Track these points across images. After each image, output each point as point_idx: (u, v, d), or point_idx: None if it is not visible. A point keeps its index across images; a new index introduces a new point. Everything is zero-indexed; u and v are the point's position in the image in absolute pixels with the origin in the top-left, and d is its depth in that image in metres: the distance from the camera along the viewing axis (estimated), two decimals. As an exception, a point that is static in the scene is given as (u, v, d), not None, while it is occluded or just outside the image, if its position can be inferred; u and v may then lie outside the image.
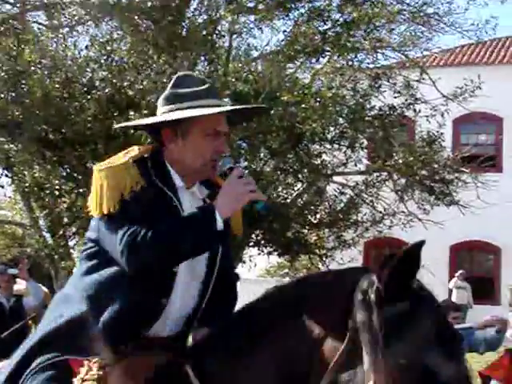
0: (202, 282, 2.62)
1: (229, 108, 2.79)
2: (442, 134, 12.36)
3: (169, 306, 2.52)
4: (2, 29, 10.74)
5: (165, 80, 9.63)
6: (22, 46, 10.18)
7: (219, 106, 2.65)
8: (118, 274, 2.50)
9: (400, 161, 11.66)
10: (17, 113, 9.95)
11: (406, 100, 12.13)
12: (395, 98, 12.12)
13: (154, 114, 8.72)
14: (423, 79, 12.59)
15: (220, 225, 2.36)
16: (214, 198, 2.50)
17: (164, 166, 2.59)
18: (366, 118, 11.47)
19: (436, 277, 18.35)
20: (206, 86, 2.67)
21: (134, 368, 2.42)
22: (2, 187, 11.45)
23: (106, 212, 2.48)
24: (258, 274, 16.04)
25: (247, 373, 2.29)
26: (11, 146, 10.52)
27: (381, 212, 12.27)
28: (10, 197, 17.98)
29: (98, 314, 2.48)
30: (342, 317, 2.16)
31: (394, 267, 2.08)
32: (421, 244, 2.10)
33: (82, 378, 2.36)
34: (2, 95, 10.21)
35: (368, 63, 12.35)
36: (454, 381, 2.06)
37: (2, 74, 10.14)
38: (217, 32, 11.09)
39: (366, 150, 12.42)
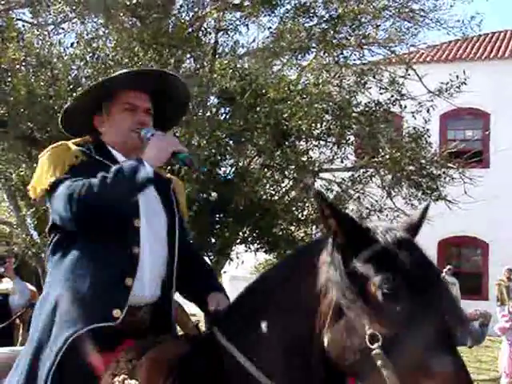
0: (167, 245, 2.92)
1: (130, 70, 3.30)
2: (428, 129, 12.41)
3: (140, 268, 2.75)
4: (-15, 26, 10.72)
5: (150, 77, 9.64)
6: (6, 44, 10.15)
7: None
8: (81, 250, 2.74)
9: (387, 156, 11.72)
10: (1, 111, 9.93)
11: (392, 96, 12.18)
12: (381, 94, 12.19)
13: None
14: (409, 75, 12.65)
15: (149, 170, 2.62)
16: (156, 178, 2.80)
17: (105, 148, 2.93)
18: (353, 115, 11.53)
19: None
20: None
21: (159, 357, 2.58)
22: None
23: (48, 187, 2.76)
24: (246, 271, 16.05)
25: (261, 339, 2.48)
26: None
27: (368, 208, 12.32)
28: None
29: (77, 295, 2.67)
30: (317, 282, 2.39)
31: (338, 218, 2.30)
32: (318, 192, 2.39)
33: (113, 373, 2.54)
34: (-14, 93, 10.20)
35: (354, 59, 12.44)
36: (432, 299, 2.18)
37: (-14, 72, 10.13)
38: (203, 29, 11.10)
39: (352, 147, 12.48)
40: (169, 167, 9.85)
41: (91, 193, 2.61)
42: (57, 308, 2.67)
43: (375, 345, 2.14)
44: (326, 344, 2.32)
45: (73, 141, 2.97)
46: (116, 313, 2.64)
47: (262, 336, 2.48)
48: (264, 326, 2.49)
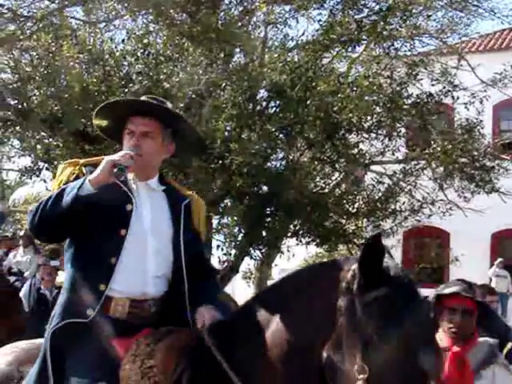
0: (171, 245, 3.24)
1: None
2: (481, 121, 12.24)
3: (135, 266, 3.12)
4: (41, 25, 10.86)
5: (201, 72, 9.70)
6: (61, 42, 10.31)
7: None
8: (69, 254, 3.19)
9: (438, 149, 11.59)
10: (56, 107, 10.10)
11: (444, 87, 12.03)
12: (433, 85, 12.04)
13: (190, 105, 8.79)
14: (461, 66, 12.50)
15: (88, 187, 2.93)
16: (170, 191, 3.35)
17: None
18: (404, 107, 11.39)
19: (476, 265, 18.30)
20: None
21: (173, 343, 2.96)
22: (45, 181, 11.64)
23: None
24: (297, 264, 16.06)
25: (265, 347, 2.77)
26: (51, 140, 10.69)
27: (419, 201, 12.20)
28: (50, 190, 18.28)
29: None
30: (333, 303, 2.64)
31: (361, 259, 2.57)
32: (377, 235, 2.63)
33: (134, 354, 2.93)
34: (42, 90, 10.37)
35: (405, 51, 12.27)
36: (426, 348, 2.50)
37: (41, 70, 10.29)
38: (252, 23, 11.15)
39: (403, 139, 12.34)
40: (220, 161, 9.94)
41: (37, 211, 3.03)
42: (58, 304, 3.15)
43: (361, 376, 2.45)
44: (324, 356, 2.61)
45: (88, 159, 3.36)
46: (89, 312, 3.03)
47: (262, 344, 2.79)
48: (269, 333, 2.79)
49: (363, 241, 12.85)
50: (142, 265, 3.16)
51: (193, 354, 2.91)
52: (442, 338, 4.25)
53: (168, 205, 3.31)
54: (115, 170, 2.97)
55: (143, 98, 3.43)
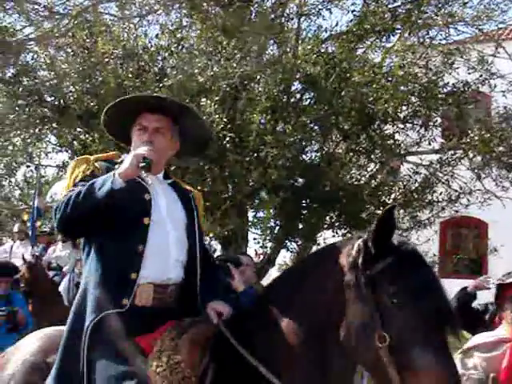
0: (185, 232, 3.36)
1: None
2: (520, 109, 12.11)
3: (159, 254, 3.20)
4: (76, 22, 10.94)
5: (235, 65, 9.71)
6: (95, 38, 10.39)
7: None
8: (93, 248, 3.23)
9: (476, 138, 11.42)
10: (92, 103, 10.18)
11: (481, 75, 11.85)
12: (469, 73, 11.88)
13: (224, 99, 8.81)
14: (499, 53, 12.29)
15: (119, 181, 2.99)
16: (175, 185, 3.52)
17: None
18: (440, 96, 11.26)
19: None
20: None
21: (196, 337, 3.05)
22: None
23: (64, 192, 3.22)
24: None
25: (283, 331, 2.89)
26: (87, 136, 10.77)
27: (457, 191, 12.08)
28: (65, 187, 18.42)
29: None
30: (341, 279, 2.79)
31: (374, 232, 2.72)
32: (391, 208, 2.74)
33: (160, 350, 2.98)
34: (77, 87, 10.47)
35: (440, 39, 12.08)
36: (436, 309, 2.65)
37: (77, 66, 10.38)
38: (285, 15, 11.10)
39: (439, 129, 12.23)
40: (255, 154, 9.94)
41: (66, 208, 3.06)
42: (83, 297, 3.17)
43: (383, 344, 2.59)
44: (341, 337, 2.74)
45: (99, 155, 3.50)
46: (124, 301, 3.08)
47: (283, 330, 2.89)
48: (286, 319, 2.90)
49: (400, 232, 12.81)
50: (166, 250, 3.25)
51: (215, 347, 3.01)
52: (506, 328, 4.21)
53: (177, 196, 3.46)
54: (142, 163, 3.07)
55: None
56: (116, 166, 3.25)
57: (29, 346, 3.66)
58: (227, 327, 3.05)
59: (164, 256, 3.23)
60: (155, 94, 3.61)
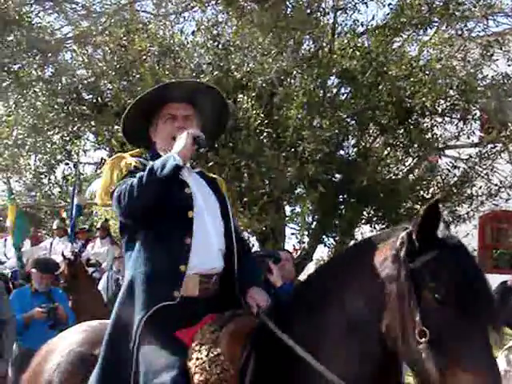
0: (222, 221, 3.40)
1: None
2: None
3: (204, 244, 3.24)
4: (113, 20, 11.04)
5: (271, 61, 9.70)
6: (132, 36, 10.45)
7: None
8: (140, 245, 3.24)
9: (517, 130, 11.32)
10: (129, 101, 10.23)
11: (522, 67, 11.71)
12: (509, 65, 11.68)
13: (261, 95, 8.80)
14: (540, 44, 12.10)
15: (176, 159, 3.08)
16: (200, 172, 3.58)
17: (159, 156, 3.33)
18: (478, 89, 11.11)
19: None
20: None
21: (236, 329, 3.07)
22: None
23: (110, 195, 3.26)
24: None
25: (324, 329, 2.87)
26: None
27: (497, 185, 11.89)
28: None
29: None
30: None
31: (419, 225, 2.68)
32: (436, 201, 2.70)
33: (200, 343, 3.01)
34: (115, 84, 10.53)
35: (478, 31, 11.93)
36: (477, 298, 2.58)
37: (114, 64, 10.45)
38: (321, 9, 11.03)
39: (479, 122, 12.06)
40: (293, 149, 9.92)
41: (131, 192, 3.09)
42: (130, 292, 3.20)
43: (423, 339, 2.54)
44: (383, 329, 2.71)
45: (129, 153, 3.52)
46: (176, 294, 3.11)
47: (325, 321, 2.88)
48: (328, 314, 2.89)
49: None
50: (209, 241, 3.29)
51: (256, 339, 3.02)
52: None
53: (207, 184, 3.52)
54: (196, 143, 3.20)
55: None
56: (149, 162, 3.32)
57: (74, 337, 3.69)
58: (269, 318, 3.06)
59: (208, 247, 3.28)
60: (173, 80, 3.67)
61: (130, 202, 3.11)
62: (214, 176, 3.70)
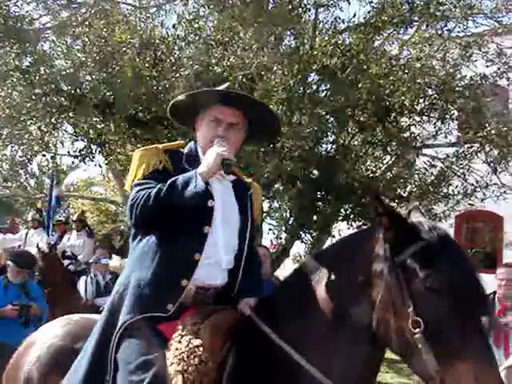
0: (237, 237, 3.28)
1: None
2: (537, 102, 12.02)
3: (212, 259, 3.14)
4: (93, 11, 10.92)
5: (251, 56, 9.65)
6: (112, 27, 10.35)
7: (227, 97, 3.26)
8: (152, 243, 3.14)
9: (493, 131, 11.31)
10: (108, 93, 10.15)
11: (499, 68, 11.73)
12: (487, 66, 11.75)
13: (241, 90, 8.73)
14: (517, 46, 12.17)
15: (199, 184, 2.98)
16: (236, 182, 3.38)
17: (197, 154, 3.28)
18: (457, 89, 11.18)
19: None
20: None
21: (218, 323, 3.02)
22: (100, 166, 11.74)
23: (133, 183, 3.16)
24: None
25: (310, 324, 2.84)
26: (103, 125, 10.75)
27: (473, 184, 11.97)
28: (104, 175, 18.45)
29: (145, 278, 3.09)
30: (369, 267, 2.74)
31: (390, 219, 2.67)
32: (375, 192, 2.72)
33: (181, 334, 2.96)
34: (94, 76, 10.44)
35: (458, 32, 11.95)
36: (467, 285, 2.55)
37: (94, 56, 10.35)
38: (302, 6, 10.97)
39: (456, 122, 12.11)
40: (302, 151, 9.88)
41: (145, 204, 3.00)
42: (124, 292, 3.13)
43: (417, 330, 2.51)
44: (374, 324, 2.67)
45: (166, 145, 3.37)
46: (169, 307, 3.03)
47: (309, 316, 2.85)
48: (315, 308, 2.85)
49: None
50: (218, 259, 3.19)
51: (238, 332, 2.98)
52: None
53: (235, 197, 3.35)
54: (223, 166, 3.05)
55: (229, 87, 3.42)
56: (184, 159, 3.28)
57: (56, 330, 3.66)
58: (255, 311, 3.04)
59: (216, 265, 3.19)
60: (233, 90, 3.44)
61: (142, 214, 3.04)
62: (249, 182, 3.55)
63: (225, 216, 3.23)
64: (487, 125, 11.52)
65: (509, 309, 6.09)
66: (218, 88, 3.38)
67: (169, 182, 3.03)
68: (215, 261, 3.18)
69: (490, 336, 6.00)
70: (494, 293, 6.18)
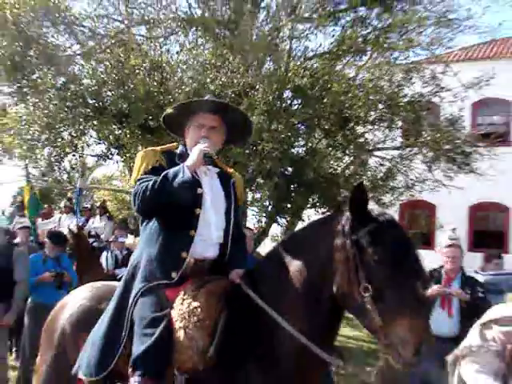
0: (224, 217, 3.26)
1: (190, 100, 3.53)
2: (462, 115, 12.02)
3: (205, 236, 3.14)
4: (113, 41, 10.82)
5: (239, 76, 9.58)
6: (128, 54, 10.21)
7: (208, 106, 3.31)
8: (155, 227, 3.15)
9: (428, 138, 11.34)
10: (124, 105, 10.01)
11: (433, 89, 11.73)
12: (424, 87, 11.74)
13: (232, 103, 8.51)
14: (446, 72, 12.15)
15: (186, 174, 2.98)
16: (221, 173, 3.38)
17: (186, 154, 3.24)
18: (400, 104, 11.17)
19: (458, 231, 18.03)
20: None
21: (213, 289, 3.02)
22: (117, 162, 11.65)
23: (136, 178, 3.15)
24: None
25: (285, 288, 2.85)
26: (121, 131, 10.62)
27: (412, 179, 11.96)
28: (121, 171, 18.30)
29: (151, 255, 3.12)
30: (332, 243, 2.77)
31: (350, 204, 2.71)
32: (358, 184, 2.72)
33: (183, 298, 2.97)
34: (113, 92, 10.30)
35: (401, 59, 11.95)
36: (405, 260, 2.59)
37: (113, 76, 10.22)
38: (279, 37, 10.93)
39: (400, 130, 12.10)
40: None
41: (144, 194, 3.01)
42: (137, 265, 3.13)
43: (367, 294, 2.54)
44: (334, 289, 2.70)
45: (163, 147, 3.35)
46: (174, 275, 3.04)
47: (286, 286, 2.84)
48: (288, 277, 2.85)
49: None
50: (209, 235, 3.20)
51: (229, 296, 2.97)
52: None
53: (221, 184, 3.34)
54: (205, 158, 3.07)
55: (209, 98, 3.41)
56: (176, 157, 3.26)
57: (83, 294, 3.66)
58: (242, 279, 3.04)
59: (208, 240, 3.19)
60: (211, 99, 3.42)
61: (143, 202, 3.03)
62: (231, 172, 3.54)
63: (212, 200, 3.23)
64: (424, 133, 11.53)
65: (452, 280, 6.13)
66: (199, 99, 3.46)
67: (162, 175, 3.04)
68: (208, 237, 3.18)
69: (437, 300, 6.10)
70: (442, 267, 6.22)
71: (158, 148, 3.32)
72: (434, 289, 5.97)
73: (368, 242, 2.63)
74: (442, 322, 5.95)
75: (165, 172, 3.05)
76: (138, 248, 3.26)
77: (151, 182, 3.02)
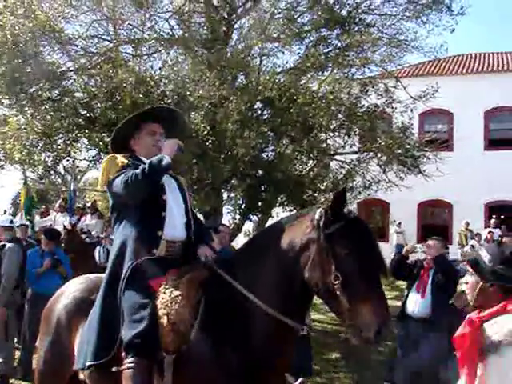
0: (184, 208, 3.35)
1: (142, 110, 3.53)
2: (411, 124, 12.16)
3: (172, 219, 3.19)
4: (103, 58, 10.71)
5: (215, 89, 9.53)
6: (116, 70, 10.09)
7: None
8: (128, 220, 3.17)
9: (382, 144, 11.40)
10: (113, 116, 9.88)
11: (386, 101, 11.82)
12: (378, 99, 11.82)
13: (207, 114, 8.44)
14: (398, 86, 12.27)
15: (168, 160, 3.09)
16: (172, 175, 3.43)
17: (139, 158, 3.34)
18: (358, 114, 11.22)
19: (407, 225, 18.21)
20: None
21: (193, 278, 3.00)
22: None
23: (110, 180, 3.18)
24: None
25: (261, 273, 2.83)
26: (109, 139, 10.47)
27: (369, 180, 12.03)
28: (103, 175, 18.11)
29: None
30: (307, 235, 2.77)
31: (331, 204, 2.72)
32: (343, 189, 2.78)
33: (165, 287, 2.96)
34: (103, 104, 10.16)
35: (359, 75, 12.04)
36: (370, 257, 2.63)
37: (103, 89, 10.08)
38: (251, 55, 10.90)
39: (358, 137, 12.16)
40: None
41: (137, 179, 3.02)
42: (123, 249, 3.10)
43: (337, 281, 2.57)
44: (306, 277, 2.69)
45: (120, 155, 3.33)
46: (154, 251, 3.07)
47: (262, 271, 2.82)
48: (265, 263, 2.83)
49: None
50: (176, 216, 3.25)
51: (207, 284, 2.95)
52: None
53: (176, 184, 3.43)
54: (179, 149, 3.22)
55: (150, 107, 3.58)
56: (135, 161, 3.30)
57: (76, 286, 3.62)
58: (220, 267, 3.00)
59: (175, 220, 3.23)
60: (156, 106, 3.58)
61: (136, 186, 3.04)
62: (179, 177, 3.63)
63: (172, 192, 3.31)
64: (378, 139, 11.59)
65: (430, 269, 6.30)
66: (143, 109, 3.52)
67: (147, 162, 3.11)
68: (175, 218, 3.23)
69: (415, 284, 6.25)
70: (425, 259, 6.45)
71: (116, 155, 3.33)
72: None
73: (339, 236, 2.65)
74: (415, 303, 6.15)
75: (148, 160, 3.12)
76: (118, 236, 3.23)
77: (139, 170, 3.06)
